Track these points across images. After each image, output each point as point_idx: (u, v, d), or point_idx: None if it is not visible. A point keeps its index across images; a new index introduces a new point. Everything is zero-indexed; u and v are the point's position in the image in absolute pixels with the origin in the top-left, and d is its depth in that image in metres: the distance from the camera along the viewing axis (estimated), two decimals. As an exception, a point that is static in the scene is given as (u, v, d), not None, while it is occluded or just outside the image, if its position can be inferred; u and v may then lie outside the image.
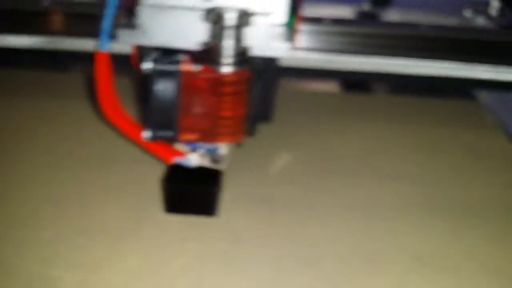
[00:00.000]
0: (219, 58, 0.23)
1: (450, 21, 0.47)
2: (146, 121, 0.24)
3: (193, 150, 0.26)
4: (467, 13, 0.48)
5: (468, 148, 0.36)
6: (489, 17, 0.47)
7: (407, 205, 0.29)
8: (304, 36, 0.31)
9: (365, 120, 0.39)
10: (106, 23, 0.23)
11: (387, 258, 0.25)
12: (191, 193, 0.27)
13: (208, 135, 0.24)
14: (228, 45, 0.23)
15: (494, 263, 0.25)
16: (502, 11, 0.46)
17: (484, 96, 0.44)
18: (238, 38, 0.23)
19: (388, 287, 0.23)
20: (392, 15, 0.46)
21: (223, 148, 0.26)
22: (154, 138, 0.24)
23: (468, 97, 0.44)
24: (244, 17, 0.23)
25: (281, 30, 0.24)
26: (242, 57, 0.23)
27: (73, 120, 0.35)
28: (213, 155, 0.25)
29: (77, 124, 0.35)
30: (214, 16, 0.22)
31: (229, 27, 0.23)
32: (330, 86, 0.46)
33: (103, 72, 0.24)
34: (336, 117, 0.39)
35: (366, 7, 0.46)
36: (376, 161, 0.33)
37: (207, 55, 0.23)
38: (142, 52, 0.24)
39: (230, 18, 0.22)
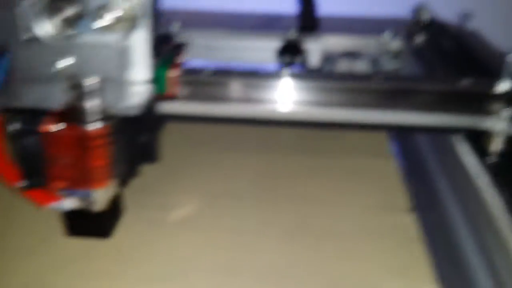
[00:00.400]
0: (83, 117, 0.26)
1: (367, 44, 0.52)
2: (20, 173, 0.27)
3: (69, 194, 0.29)
4: (386, 36, 0.53)
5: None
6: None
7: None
8: (184, 86, 0.34)
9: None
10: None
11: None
12: (89, 218, 0.30)
13: (78, 182, 0.28)
14: (90, 106, 0.26)
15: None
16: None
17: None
18: (98, 98, 0.26)
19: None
20: (315, 43, 0.50)
21: (98, 192, 0.29)
22: (28, 188, 0.28)
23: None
24: (102, 81, 0.26)
25: (138, 87, 0.28)
26: (103, 114, 0.27)
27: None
28: (87, 199, 0.28)
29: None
30: (72, 83, 0.26)
31: (89, 92, 0.26)
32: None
33: None
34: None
35: (292, 34, 0.50)
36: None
37: (72, 114, 0.27)
38: (9, 114, 0.27)
39: (89, 85, 0.26)
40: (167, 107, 0.34)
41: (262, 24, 0.60)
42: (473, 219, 0.34)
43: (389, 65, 0.52)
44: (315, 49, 0.50)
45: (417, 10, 0.55)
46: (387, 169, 0.42)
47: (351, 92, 0.36)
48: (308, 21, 0.51)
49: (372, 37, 0.54)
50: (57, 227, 0.31)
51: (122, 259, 0.30)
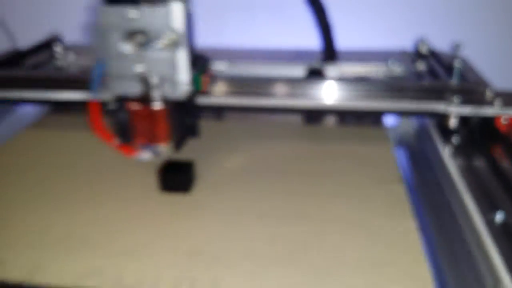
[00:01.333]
0: (151, 101, 0.43)
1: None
2: (116, 135, 0.45)
3: (145, 148, 0.46)
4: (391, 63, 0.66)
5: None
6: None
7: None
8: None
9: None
10: (93, 84, 0.44)
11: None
12: (176, 179, 0.47)
13: (150, 140, 0.45)
14: (155, 94, 0.43)
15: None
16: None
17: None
18: (159, 90, 0.43)
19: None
20: (334, 70, 0.65)
21: (161, 147, 0.46)
22: (120, 144, 0.45)
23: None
24: (161, 80, 0.43)
25: (183, 84, 0.44)
26: (163, 99, 0.43)
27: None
28: (155, 151, 0.45)
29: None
30: (144, 80, 0.43)
31: (154, 86, 0.43)
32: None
33: (95, 111, 0.45)
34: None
35: (316, 63, 0.65)
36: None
37: (145, 99, 0.43)
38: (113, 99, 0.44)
39: (154, 82, 0.43)
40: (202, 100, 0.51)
41: (291, 57, 0.73)
42: (439, 174, 0.48)
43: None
44: (334, 74, 0.65)
45: (418, 43, 0.68)
46: (385, 154, 0.54)
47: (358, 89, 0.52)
48: (329, 53, 0.65)
49: (380, 65, 0.67)
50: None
51: (199, 206, 0.46)
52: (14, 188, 0.48)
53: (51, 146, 0.57)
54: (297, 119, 0.63)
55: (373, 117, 0.60)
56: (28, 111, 0.69)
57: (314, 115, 0.62)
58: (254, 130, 0.61)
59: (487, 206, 0.39)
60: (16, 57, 0.68)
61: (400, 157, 0.57)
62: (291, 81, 0.54)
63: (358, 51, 0.73)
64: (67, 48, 0.74)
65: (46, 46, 0.74)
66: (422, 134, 0.58)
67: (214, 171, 0.51)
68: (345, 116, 0.62)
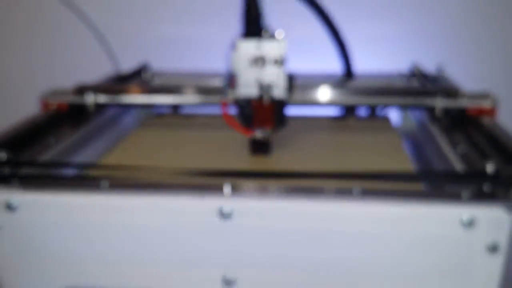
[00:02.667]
0: (266, 99, 0.70)
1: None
2: (241, 122, 0.72)
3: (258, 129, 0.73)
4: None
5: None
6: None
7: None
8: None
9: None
10: (226, 86, 0.71)
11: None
12: (261, 146, 0.74)
13: (261, 125, 0.72)
14: (266, 96, 0.70)
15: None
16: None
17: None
18: (269, 93, 0.70)
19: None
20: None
21: (267, 131, 0.73)
22: (244, 128, 0.72)
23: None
24: (270, 86, 0.70)
25: (284, 91, 0.71)
26: (271, 99, 0.71)
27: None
28: (264, 132, 0.72)
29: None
30: (260, 87, 0.70)
31: (266, 90, 0.70)
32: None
33: (226, 108, 0.72)
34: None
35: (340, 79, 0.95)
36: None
37: (261, 98, 0.71)
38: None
39: (265, 87, 0.70)
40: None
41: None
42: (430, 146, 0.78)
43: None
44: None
45: (412, 67, 1.00)
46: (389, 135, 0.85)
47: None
48: (348, 72, 0.97)
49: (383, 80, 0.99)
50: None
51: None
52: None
53: (168, 135, 0.84)
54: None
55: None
56: (129, 120, 0.95)
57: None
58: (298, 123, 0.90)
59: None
60: (121, 78, 0.95)
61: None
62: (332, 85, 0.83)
63: (367, 73, 1.04)
64: (153, 74, 1.01)
65: (138, 72, 1.01)
66: (420, 128, 0.88)
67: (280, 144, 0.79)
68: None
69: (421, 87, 0.90)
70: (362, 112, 0.97)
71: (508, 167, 0.56)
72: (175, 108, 1.00)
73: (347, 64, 0.98)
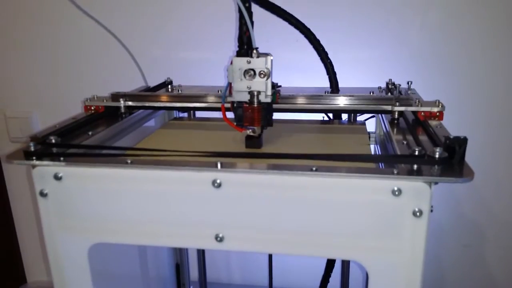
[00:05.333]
0: (253, 102, 0.89)
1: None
2: (236, 121, 0.91)
3: (248, 128, 0.91)
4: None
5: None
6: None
7: None
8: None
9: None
10: (223, 97, 0.90)
11: None
12: (253, 141, 0.92)
13: (251, 123, 0.90)
14: (255, 99, 0.89)
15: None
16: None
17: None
18: (258, 98, 0.89)
19: None
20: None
21: (256, 128, 0.91)
22: (237, 125, 0.90)
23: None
24: (258, 93, 0.89)
25: (268, 96, 0.90)
26: (258, 102, 0.90)
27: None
28: (254, 130, 0.91)
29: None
30: (250, 93, 0.89)
31: (255, 95, 0.89)
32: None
33: (223, 111, 0.91)
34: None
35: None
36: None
37: (251, 101, 0.89)
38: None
39: (255, 94, 0.89)
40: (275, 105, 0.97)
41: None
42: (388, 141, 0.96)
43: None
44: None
45: (387, 83, 1.19)
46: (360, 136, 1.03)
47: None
48: (334, 87, 1.17)
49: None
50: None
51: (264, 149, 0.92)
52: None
53: (182, 133, 1.04)
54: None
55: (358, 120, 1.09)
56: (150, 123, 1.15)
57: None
58: (288, 126, 1.08)
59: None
60: (148, 89, 1.16)
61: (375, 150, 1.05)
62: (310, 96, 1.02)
63: (351, 87, 1.23)
64: (174, 88, 1.22)
65: (163, 85, 1.22)
66: (386, 132, 1.06)
67: (270, 141, 0.97)
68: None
69: (385, 96, 1.08)
70: (345, 120, 1.15)
71: (432, 151, 0.73)
72: (191, 113, 1.23)
73: (333, 80, 1.17)
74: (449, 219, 1.49)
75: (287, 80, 1.08)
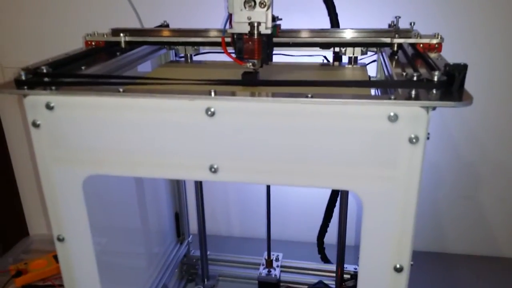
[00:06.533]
0: (255, 34, 0.87)
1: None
2: (236, 54, 0.89)
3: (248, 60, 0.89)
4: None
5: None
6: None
7: None
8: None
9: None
10: (224, 25, 0.88)
11: None
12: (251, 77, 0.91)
13: (251, 56, 0.88)
14: (256, 31, 0.87)
15: None
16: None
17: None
18: (258, 29, 0.87)
19: None
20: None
21: (256, 61, 0.89)
22: (237, 58, 0.88)
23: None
24: (259, 24, 0.86)
25: (269, 27, 0.87)
26: (259, 34, 0.87)
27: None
28: (253, 62, 0.89)
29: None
30: (251, 25, 0.87)
31: (255, 27, 0.87)
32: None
33: (223, 44, 0.89)
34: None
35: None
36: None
37: (251, 33, 0.87)
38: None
39: (255, 25, 0.86)
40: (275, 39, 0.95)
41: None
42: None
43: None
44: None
45: (389, 25, 1.15)
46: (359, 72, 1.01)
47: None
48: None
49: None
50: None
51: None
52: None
53: (180, 70, 1.03)
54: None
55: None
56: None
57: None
58: (287, 67, 1.07)
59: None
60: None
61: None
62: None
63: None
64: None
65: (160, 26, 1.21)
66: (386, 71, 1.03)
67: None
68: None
69: (384, 29, 1.05)
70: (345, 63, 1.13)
71: (430, 75, 0.70)
72: (188, 57, 1.19)
73: (333, 18, 1.14)
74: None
75: (287, 21, 1.05)
